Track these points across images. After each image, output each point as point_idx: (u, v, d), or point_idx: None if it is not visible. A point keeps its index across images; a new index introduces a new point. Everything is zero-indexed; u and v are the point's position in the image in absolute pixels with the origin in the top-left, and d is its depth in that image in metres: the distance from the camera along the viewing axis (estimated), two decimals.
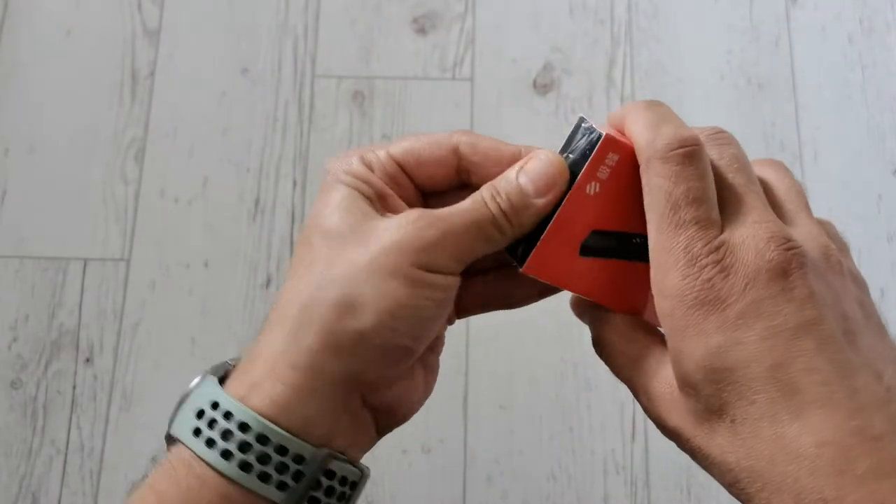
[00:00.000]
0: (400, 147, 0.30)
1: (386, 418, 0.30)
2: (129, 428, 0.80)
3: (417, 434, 0.79)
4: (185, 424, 0.27)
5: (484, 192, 0.29)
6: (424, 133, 0.31)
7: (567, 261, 0.29)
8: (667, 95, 0.90)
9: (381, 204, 0.29)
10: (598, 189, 0.29)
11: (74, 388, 0.81)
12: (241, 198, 0.87)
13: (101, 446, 0.80)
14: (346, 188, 0.29)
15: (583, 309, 0.32)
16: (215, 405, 0.27)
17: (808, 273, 0.25)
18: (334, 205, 0.28)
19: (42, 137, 0.89)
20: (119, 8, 0.94)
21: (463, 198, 0.29)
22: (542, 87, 0.91)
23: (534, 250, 0.29)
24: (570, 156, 0.29)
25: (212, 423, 0.27)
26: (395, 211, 0.29)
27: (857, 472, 0.23)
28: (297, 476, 0.27)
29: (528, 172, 0.29)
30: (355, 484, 0.29)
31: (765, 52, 0.92)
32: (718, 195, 0.27)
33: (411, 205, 0.30)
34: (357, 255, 0.27)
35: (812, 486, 0.23)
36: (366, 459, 0.30)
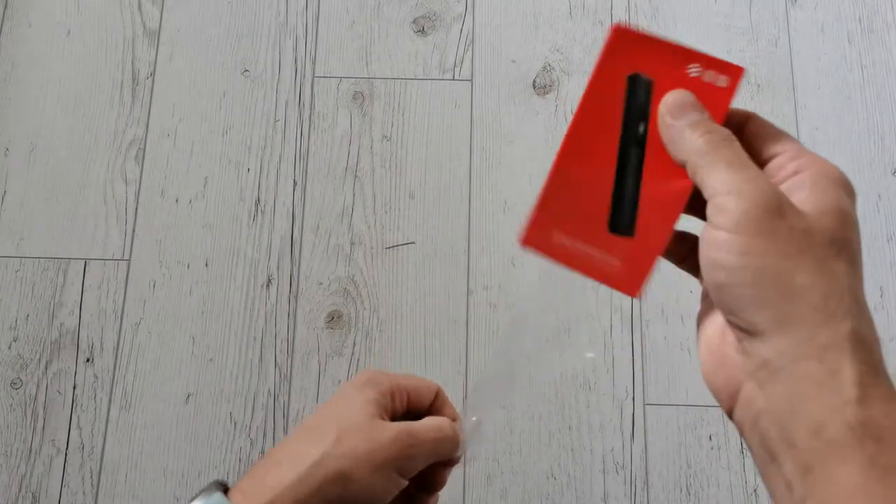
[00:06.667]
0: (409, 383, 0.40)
1: None
2: (129, 428, 0.80)
3: None
4: None
5: (443, 421, 0.39)
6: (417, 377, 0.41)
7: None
8: None
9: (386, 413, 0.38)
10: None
11: (74, 388, 0.81)
12: (241, 198, 0.87)
13: (101, 446, 0.80)
14: (369, 395, 0.38)
15: None
16: None
17: None
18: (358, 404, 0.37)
19: (42, 137, 0.89)
20: (119, 8, 0.94)
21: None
22: (542, 87, 0.91)
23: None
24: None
25: None
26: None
27: None
28: None
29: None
30: None
31: (765, 52, 0.92)
32: None
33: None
34: (360, 443, 0.36)
35: None
36: None
